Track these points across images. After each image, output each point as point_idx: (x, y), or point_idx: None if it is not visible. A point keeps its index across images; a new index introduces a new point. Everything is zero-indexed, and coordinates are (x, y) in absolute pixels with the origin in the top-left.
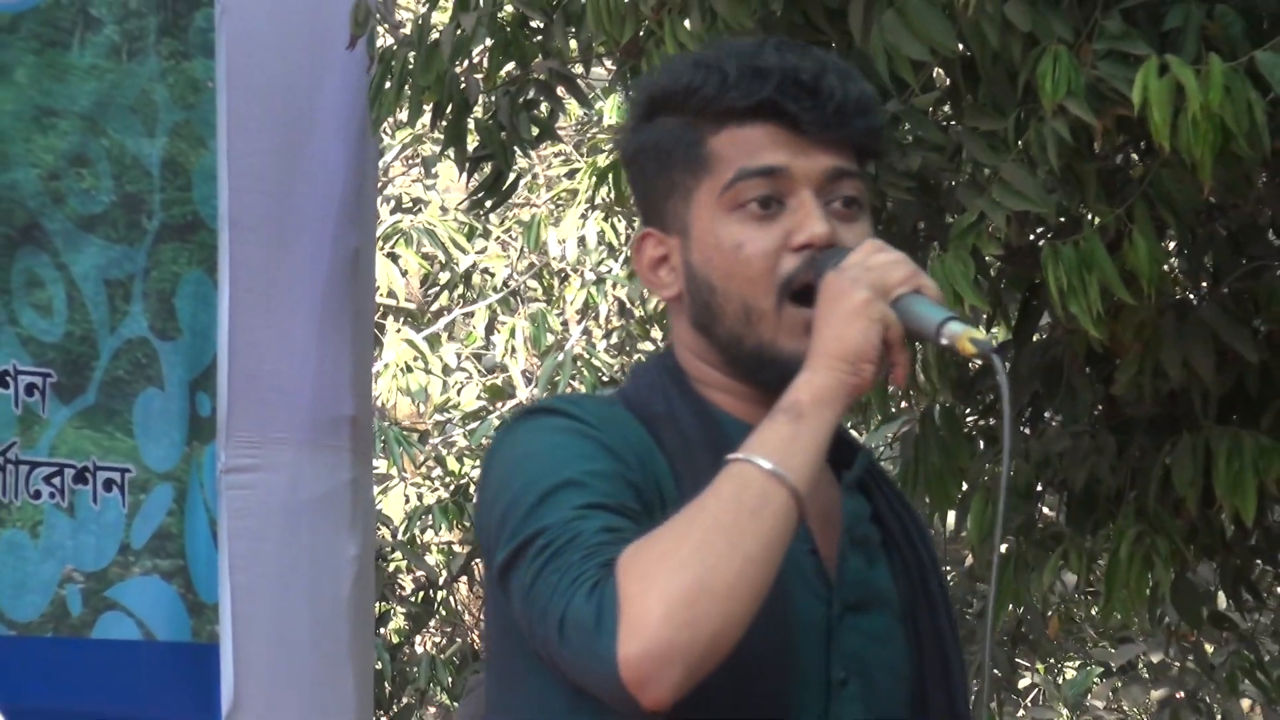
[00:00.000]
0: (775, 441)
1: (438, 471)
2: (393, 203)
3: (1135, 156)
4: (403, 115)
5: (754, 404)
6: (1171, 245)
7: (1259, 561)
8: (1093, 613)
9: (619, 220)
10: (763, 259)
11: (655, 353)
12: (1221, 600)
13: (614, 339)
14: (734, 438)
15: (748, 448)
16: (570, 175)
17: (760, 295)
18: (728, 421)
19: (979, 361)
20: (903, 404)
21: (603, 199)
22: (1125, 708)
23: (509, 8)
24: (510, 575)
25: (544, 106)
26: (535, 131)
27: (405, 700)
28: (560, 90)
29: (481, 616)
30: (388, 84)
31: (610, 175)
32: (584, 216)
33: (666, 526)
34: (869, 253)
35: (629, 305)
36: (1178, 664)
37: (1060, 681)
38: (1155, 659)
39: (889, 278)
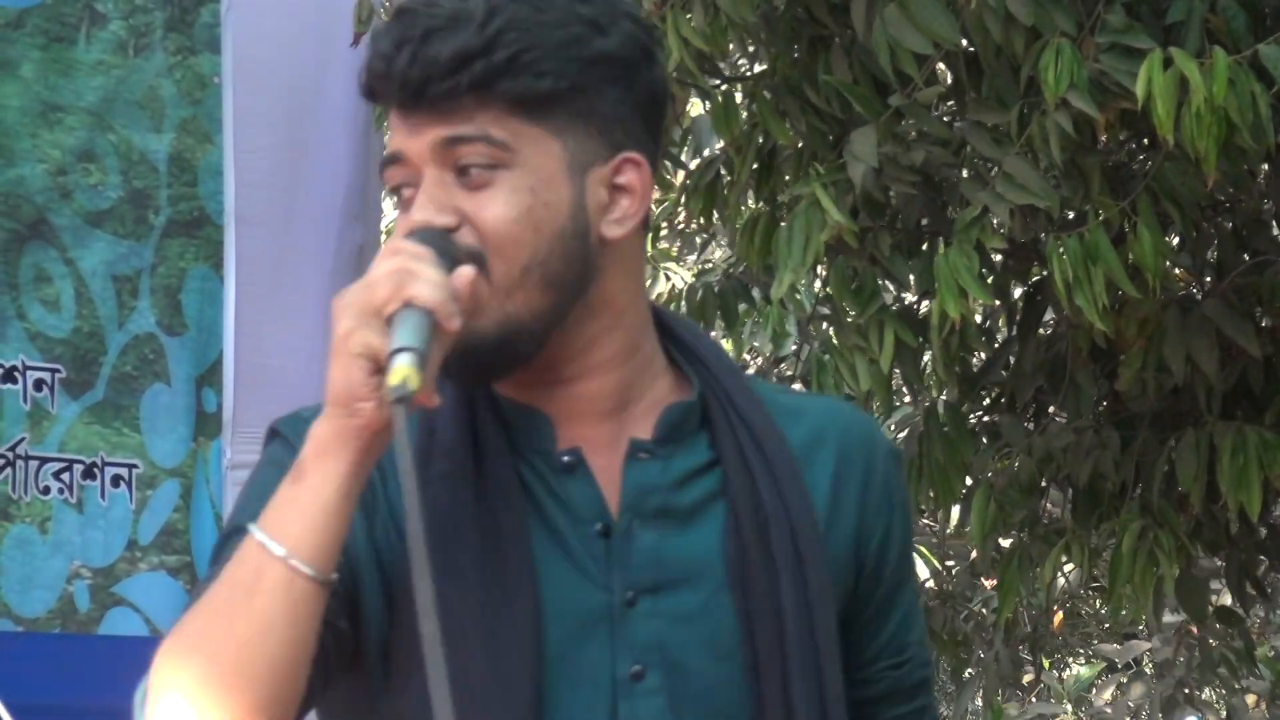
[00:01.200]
0: (273, 510)
1: None
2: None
3: (1139, 150)
4: None
5: (523, 383)
6: (1175, 240)
7: (1263, 557)
8: (1099, 608)
9: None
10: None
11: None
12: (1226, 596)
13: None
14: (514, 421)
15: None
16: None
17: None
18: (510, 407)
19: (980, 355)
20: (906, 399)
21: None
22: (1130, 704)
23: None
24: None
25: None
26: None
27: None
28: None
29: None
30: None
31: None
32: None
33: (189, 610)
34: (377, 262)
35: None
36: (1182, 659)
37: (1064, 677)
38: (1160, 656)
39: (374, 297)
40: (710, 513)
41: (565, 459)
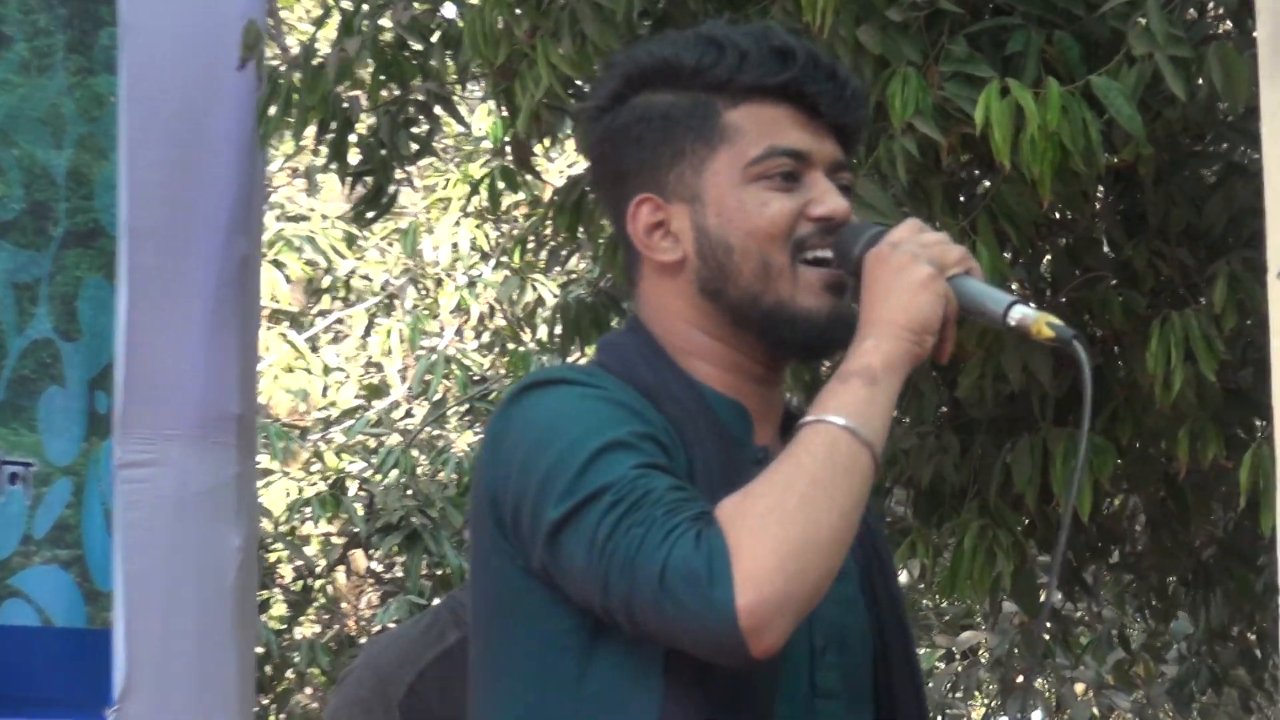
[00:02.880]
0: (856, 404)
1: (317, 466)
2: (277, 210)
3: (979, 173)
4: (289, 133)
5: (737, 375)
6: (1012, 256)
7: (1088, 554)
8: (939, 602)
9: (490, 226)
10: (787, 217)
11: (618, 329)
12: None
13: (484, 339)
14: (717, 410)
15: (828, 409)
16: (444, 185)
17: (778, 252)
18: (710, 394)
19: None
20: None
21: (475, 206)
22: (967, 689)
23: (390, 32)
24: (566, 533)
25: (422, 124)
26: (414, 148)
27: (285, 682)
28: (437, 109)
29: (358, 605)
30: (275, 104)
31: (484, 185)
32: (457, 223)
33: (764, 483)
34: (916, 230)
35: (499, 307)
36: (1015, 649)
37: None
38: (997, 647)
39: (946, 257)
40: None
41: (760, 454)
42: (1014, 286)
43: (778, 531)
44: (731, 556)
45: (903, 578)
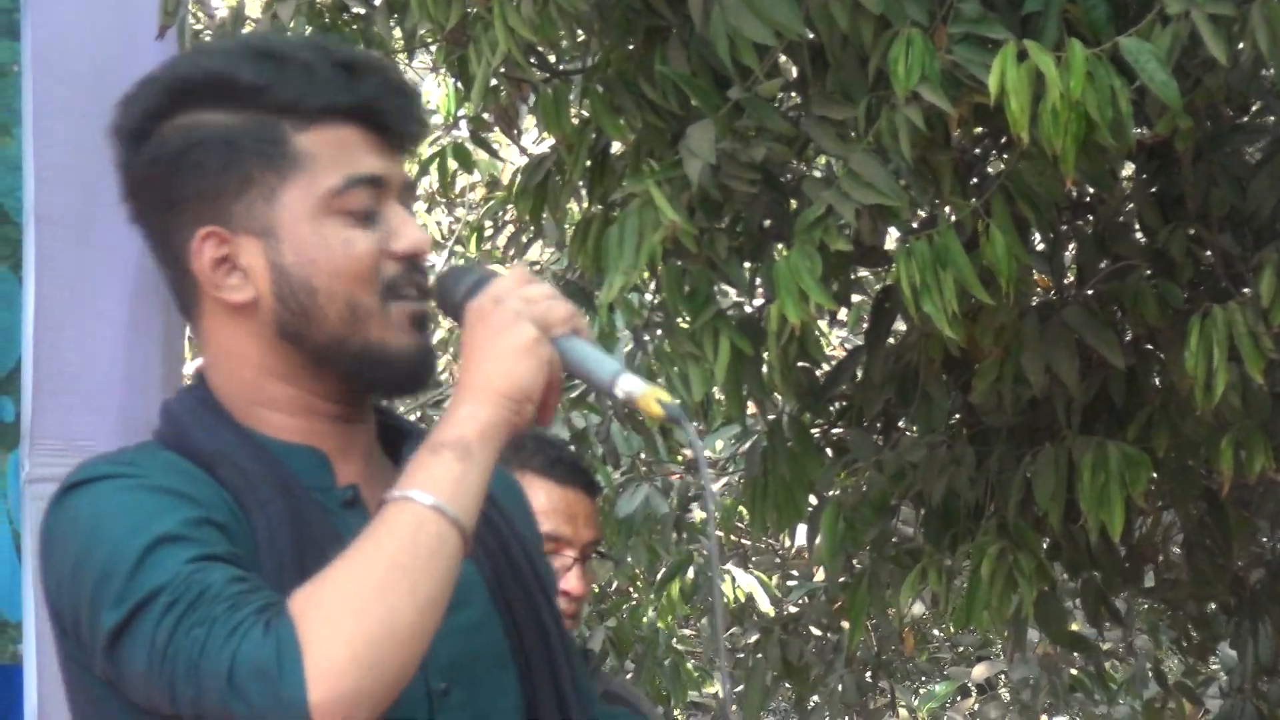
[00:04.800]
0: (448, 480)
1: None
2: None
3: (994, 148)
4: None
5: (311, 418)
6: (1037, 243)
7: (1120, 579)
8: (953, 631)
9: (442, 211)
10: (371, 257)
11: (183, 389)
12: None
13: (437, 338)
14: (287, 461)
15: (416, 484)
16: None
17: (367, 294)
18: (276, 446)
19: (827, 364)
20: (749, 411)
21: (425, 189)
22: None
23: None
24: (124, 641)
25: None
26: None
27: None
28: None
29: None
30: None
31: (434, 164)
32: None
33: (341, 568)
34: (522, 282)
35: None
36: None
37: (914, 705)
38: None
39: (552, 314)
40: None
41: (347, 494)
42: (1034, 277)
43: (352, 622)
44: (303, 650)
45: (916, 608)
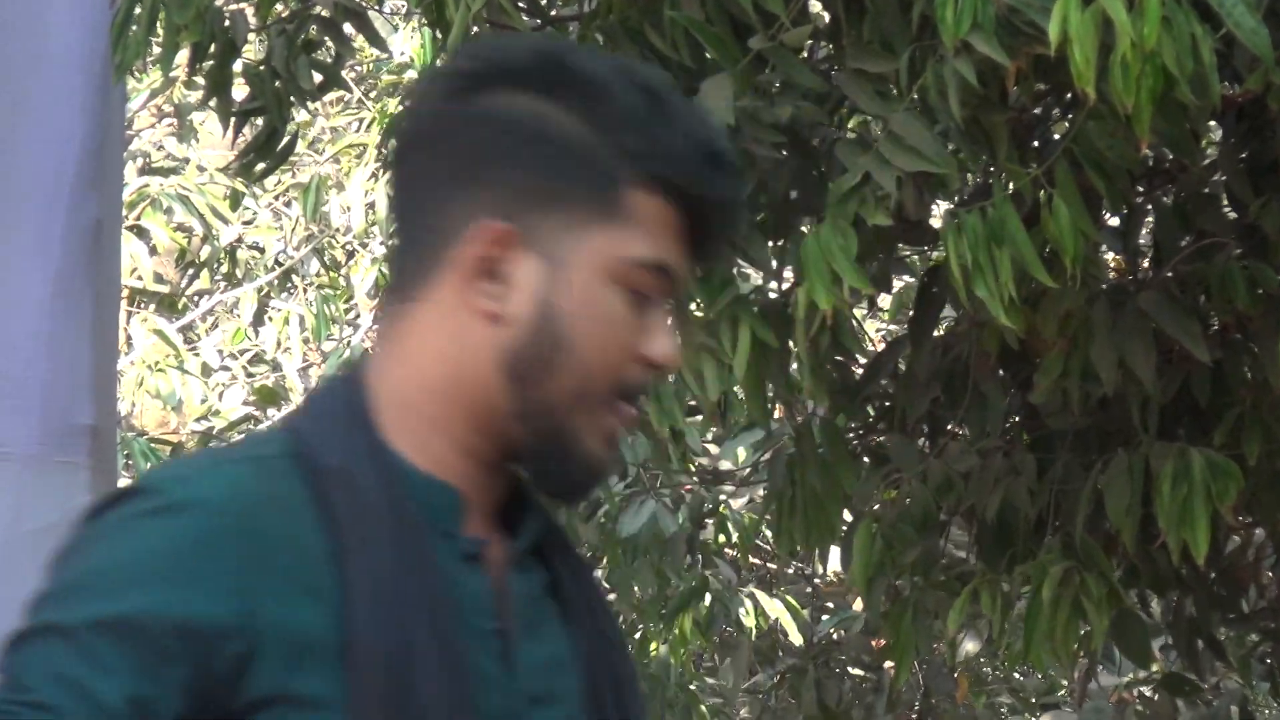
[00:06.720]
0: None
1: None
2: (140, 161)
3: (1057, 106)
4: (154, 60)
5: (464, 457)
6: (1104, 218)
7: (1212, 607)
8: (1010, 669)
9: None
10: (627, 351)
11: (339, 376)
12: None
13: None
14: (417, 495)
15: None
16: (358, 127)
17: (603, 382)
18: (412, 475)
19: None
20: (776, 414)
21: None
22: None
23: None
24: None
25: (328, 48)
26: (317, 80)
27: None
28: (348, 28)
29: None
30: (134, 23)
31: None
32: (374, 177)
33: None
34: None
35: None
36: None
37: None
38: None
39: None
40: (557, 632)
41: (472, 548)
42: (1105, 257)
43: None
44: None
45: (967, 645)
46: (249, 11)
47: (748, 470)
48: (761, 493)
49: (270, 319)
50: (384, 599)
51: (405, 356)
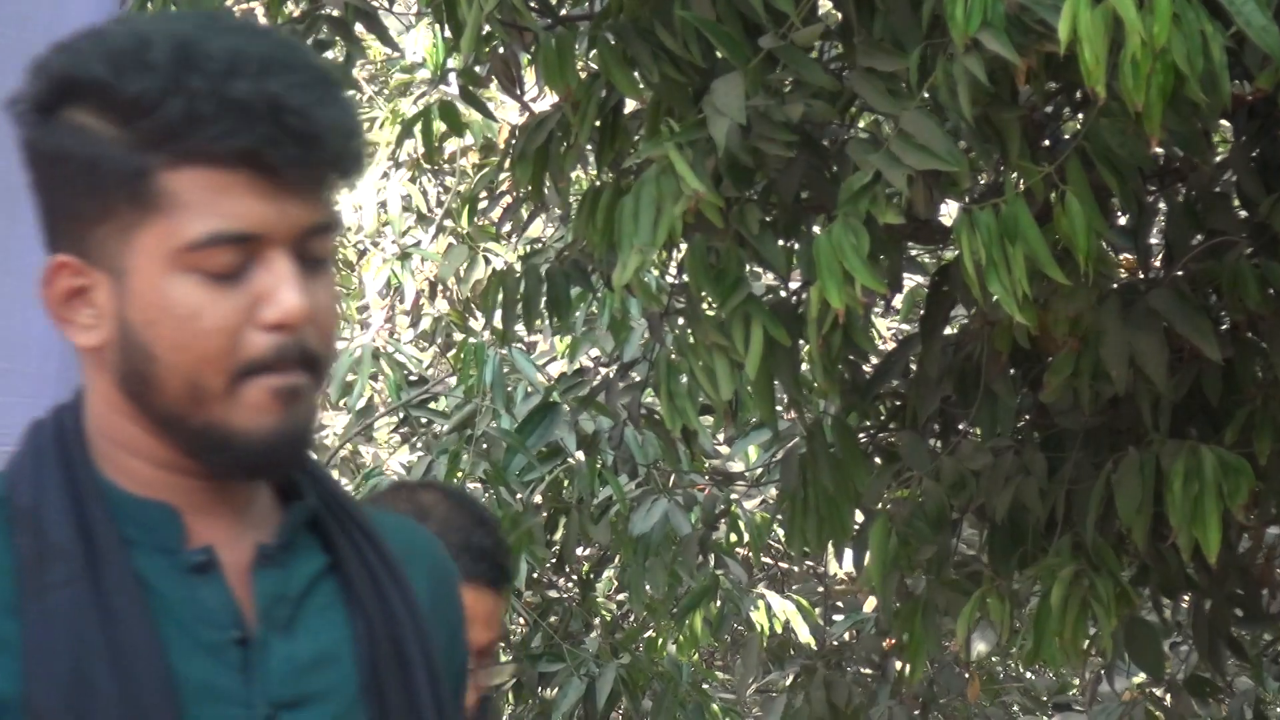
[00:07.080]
0: None
1: None
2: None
3: (1068, 104)
4: None
5: (172, 471)
6: (1119, 215)
7: (1231, 606)
8: (1021, 670)
9: (429, 180)
10: (223, 336)
11: (58, 407)
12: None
13: (423, 326)
14: (133, 518)
15: None
16: (369, 127)
17: (212, 375)
18: (125, 500)
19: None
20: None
21: (409, 155)
22: None
23: None
24: None
25: (339, 48)
26: None
27: None
28: (359, 28)
29: None
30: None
31: (419, 126)
32: (385, 176)
33: None
34: None
35: (441, 285)
36: None
37: None
38: None
39: None
40: (332, 621)
41: (197, 559)
42: (1116, 255)
43: None
44: None
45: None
46: (259, 11)
47: (759, 471)
48: (774, 493)
49: None
50: (58, 648)
51: (89, 394)
